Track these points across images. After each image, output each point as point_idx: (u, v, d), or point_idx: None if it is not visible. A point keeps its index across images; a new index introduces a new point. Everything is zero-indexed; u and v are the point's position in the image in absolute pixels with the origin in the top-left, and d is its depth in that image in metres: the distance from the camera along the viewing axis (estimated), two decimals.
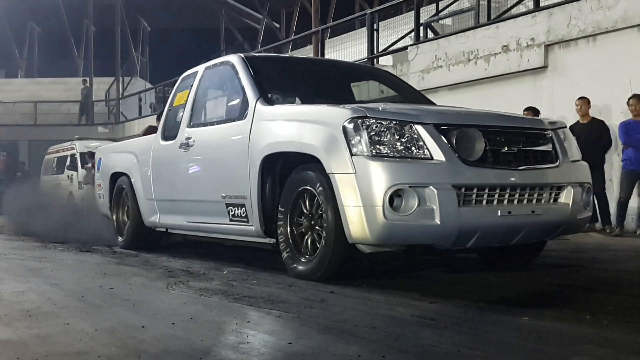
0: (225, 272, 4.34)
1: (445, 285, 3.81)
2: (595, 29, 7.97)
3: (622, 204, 7.31)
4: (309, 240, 3.88)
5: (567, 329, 2.60)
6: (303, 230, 3.94)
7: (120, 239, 6.28)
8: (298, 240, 3.96)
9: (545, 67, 8.60)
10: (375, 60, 11.75)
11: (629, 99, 7.43)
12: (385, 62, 12.02)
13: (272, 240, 4.17)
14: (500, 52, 9.09)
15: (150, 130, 7.57)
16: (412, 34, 11.33)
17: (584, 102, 7.77)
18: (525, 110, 7.91)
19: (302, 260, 3.89)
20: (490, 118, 3.97)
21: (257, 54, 5.61)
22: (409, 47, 10.84)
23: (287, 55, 14.43)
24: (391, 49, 11.82)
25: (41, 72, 27.39)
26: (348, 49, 15.35)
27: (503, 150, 3.67)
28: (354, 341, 2.41)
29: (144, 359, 2.19)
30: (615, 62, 7.83)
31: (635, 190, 7.52)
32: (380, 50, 11.88)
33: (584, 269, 4.49)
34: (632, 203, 7.51)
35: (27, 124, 22.57)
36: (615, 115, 7.85)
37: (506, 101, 8.51)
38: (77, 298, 3.42)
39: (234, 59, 4.88)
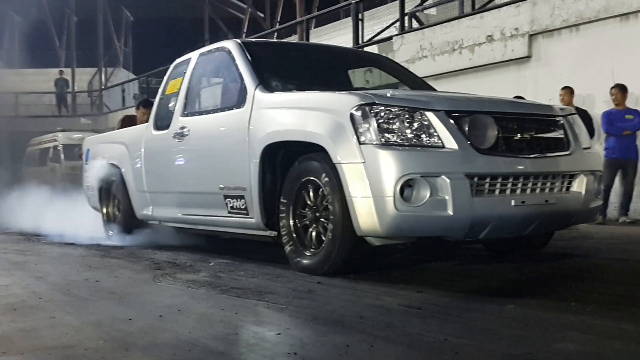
0: (212, 264, 4.32)
1: (432, 275, 3.82)
2: (578, 18, 8.03)
3: (604, 192, 7.39)
4: (314, 233, 3.75)
5: (551, 316, 2.63)
6: (307, 222, 3.80)
7: (110, 233, 6.18)
8: (301, 233, 3.82)
9: (529, 57, 8.66)
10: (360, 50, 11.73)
11: (611, 89, 7.52)
12: (371, 51, 12.00)
13: (274, 233, 4.04)
14: (484, 42, 9.13)
15: (127, 120, 7.47)
16: (397, 23, 11.33)
17: (567, 92, 7.84)
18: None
19: (307, 253, 3.76)
20: (503, 104, 3.85)
21: (254, 40, 5.50)
22: (394, 37, 10.84)
23: (285, 41, 14.35)
24: (376, 39, 11.81)
25: (22, 63, 27.01)
26: (333, 39, 15.34)
27: (516, 138, 3.56)
28: (342, 331, 2.41)
29: (132, 352, 2.18)
30: (598, 51, 7.90)
31: (617, 179, 7.61)
32: (365, 40, 11.86)
33: (568, 257, 4.52)
34: (614, 192, 7.60)
35: (8, 115, 22.27)
36: (598, 105, 7.93)
37: (491, 91, 8.53)
38: (63, 291, 3.38)
39: (231, 44, 4.72)
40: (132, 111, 9.52)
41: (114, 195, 6.19)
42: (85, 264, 4.49)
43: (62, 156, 14.68)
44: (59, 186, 8.73)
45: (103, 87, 23.63)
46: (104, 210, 6.35)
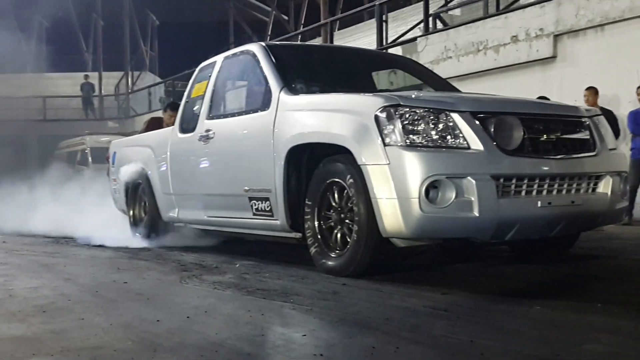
0: (237, 266, 4.35)
1: (457, 276, 3.80)
2: (603, 19, 7.94)
3: (630, 193, 7.27)
4: (339, 235, 3.75)
5: (578, 317, 2.61)
6: (332, 224, 3.81)
7: (137, 235, 6.23)
8: (326, 234, 3.83)
9: (554, 57, 8.57)
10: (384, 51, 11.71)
11: (637, 88, 7.41)
12: (395, 53, 11.98)
13: (299, 235, 4.05)
14: (509, 43, 9.06)
15: (153, 122, 7.54)
16: (422, 25, 11.29)
17: (591, 92, 7.74)
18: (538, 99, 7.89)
19: (332, 255, 3.76)
20: (528, 105, 3.83)
21: (278, 43, 5.51)
22: (418, 38, 10.80)
23: (309, 43, 14.40)
24: (400, 40, 11.78)
25: (50, 67, 27.46)
26: (357, 40, 15.32)
27: (541, 139, 3.53)
28: (367, 333, 2.42)
29: (160, 353, 2.21)
30: (624, 52, 7.80)
31: None
32: (389, 41, 11.84)
33: (594, 258, 4.47)
34: None
35: (37, 119, 22.65)
36: (623, 105, 7.82)
37: (516, 92, 8.46)
38: (92, 293, 3.43)
39: (255, 47, 4.75)
40: (158, 114, 9.64)
41: (140, 198, 6.26)
42: (113, 265, 4.55)
43: (90, 159, 14.88)
44: (87, 189, 8.86)
45: (130, 91, 23.90)
46: (131, 212, 6.42)
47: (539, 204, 3.42)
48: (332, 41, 13.39)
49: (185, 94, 5.68)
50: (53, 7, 26.30)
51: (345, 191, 3.66)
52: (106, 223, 6.74)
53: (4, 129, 19.94)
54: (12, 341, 2.38)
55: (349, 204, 3.66)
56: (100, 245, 6.05)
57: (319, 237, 3.86)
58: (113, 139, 8.86)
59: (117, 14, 25.33)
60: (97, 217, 7.13)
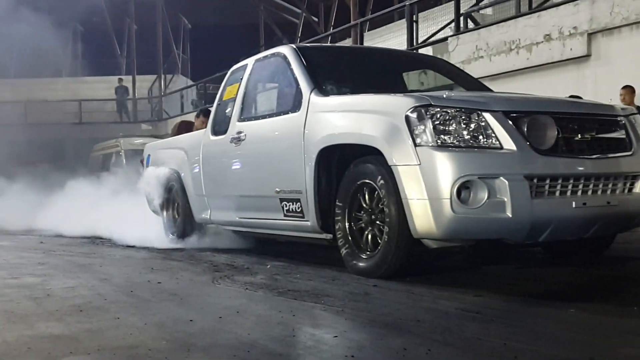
0: (268, 267, 4.38)
1: (490, 278, 3.77)
2: (639, 16, 7.76)
3: None
4: (370, 236, 3.75)
5: (613, 320, 2.58)
6: (363, 225, 3.80)
7: (170, 236, 6.32)
8: (357, 235, 3.83)
9: (588, 55, 8.43)
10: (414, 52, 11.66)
11: None
12: (425, 53, 11.92)
13: (329, 236, 4.06)
14: (542, 42, 8.93)
15: (184, 125, 7.63)
16: (452, 24, 11.20)
17: (628, 91, 7.59)
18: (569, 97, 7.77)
19: (363, 256, 3.76)
20: (562, 104, 3.78)
21: (309, 44, 5.53)
22: (449, 38, 10.73)
23: (339, 44, 14.42)
24: (431, 40, 11.71)
25: (85, 71, 27.98)
26: (387, 41, 15.28)
27: (576, 138, 3.48)
28: (399, 334, 2.41)
29: (193, 352, 2.24)
30: None
31: None
32: (419, 41, 11.78)
33: (631, 260, 4.38)
34: None
35: (72, 122, 23.10)
36: None
37: (549, 91, 8.36)
38: (126, 293, 3.49)
39: (286, 49, 4.78)
40: (189, 117, 9.76)
41: (173, 199, 6.33)
42: (147, 266, 4.62)
43: (124, 161, 15.12)
44: (120, 190, 9.00)
45: (162, 94, 24.22)
46: (164, 214, 6.50)
47: (574, 204, 3.37)
48: (362, 42, 13.38)
49: (217, 96, 5.74)
50: (88, 12, 26.80)
51: (376, 192, 3.66)
52: (140, 224, 6.83)
53: (42, 132, 20.39)
54: (50, 340, 2.44)
55: (379, 205, 3.65)
56: (134, 246, 6.15)
57: (350, 238, 3.86)
58: (147, 142, 9.00)
59: (150, 18, 25.69)
60: (132, 218, 7.23)
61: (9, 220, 9.45)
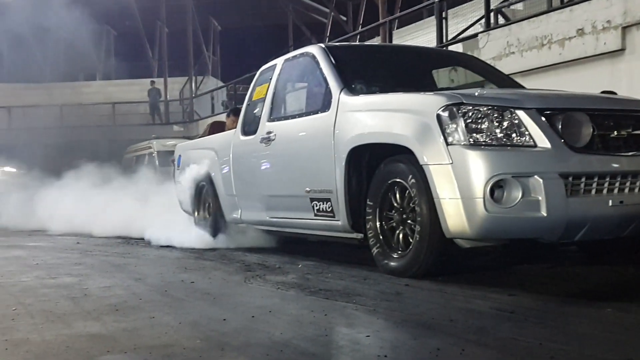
0: (300, 266, 4.39)
1: (524, 278, 3.72)
2: None
3: None
4: (401, 235, 3.73)
5: None
6: (394, 224, 3.79)
7: (202, 236, 6.27)
8: (388, 235, 3.82)
9: (622, 50, 8.22)
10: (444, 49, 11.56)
11: None
12: (455, 50, 11.81)
13: (360, 236, 4.05)
14: (575, 36, 8.77)
15: (216, 125, 7.68)
16: (483, 20, 11.08)
17: None
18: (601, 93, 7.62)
19: (394, 256, 3.74)
20: (597, 101, 3.71)
21: (337, 44, 5.52)
22: (479, 35, 10.60)
23: (368, 43, 14.39)
24: (461, 37, 11.60)
25: (118, 74, 28.44)
26: (416, 39, 15.18)
27: (612, 135, 3.40)
28: (432, 334, 2.40)
29: (227, 351, 2.26)
30: None
31: None
32: (449, 38, 11.68)
33: None
34: None
35: (106, 125, 23.49)
36: None
37: (583, 87, 8.22)
38: (161, 292, 3.54)
39: (315, 49, 4.79)
40: (220, 117, 9.82)
41: (204, 199, 6.40)
42: (180, 265, 4.68)
43: (157, 162, 15.30)
44: (153, 190, 9.11)
45: (193, 95, 24.47)
46: (195, 213, 6.57)
47: (610, 203, 3.29)
48: (391, 40, 13.30)
49: (247, 97, 5.78)
50: (121, 16, 27.26)
51: (407, 191, 3.64)
52: (172, 224, 6.92)
53: (77, 134, 20.78)
54: (87, 338, 2.49)
55: (410, 204, 3.63)
56: (167, 246, 6.23)
57: (381, 237, 3.85)
58: (178, 143, 9.10)
59: (181, 21, 25.98)
60: (164, 218, 7.33)
61: (45, 221, 9.66)
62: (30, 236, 8.69)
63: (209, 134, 7.18)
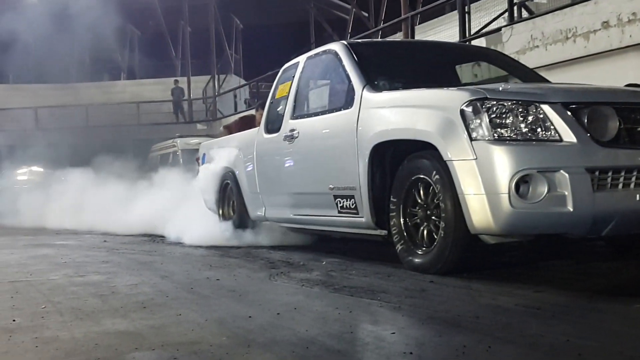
0: (324, 263, 4.40)
1: (550, 273, 3.68)
2: None
3: None
4: (425, 232, 3.73)
5: None
6: (418, 221, 3.78)
7: (226, 233, 6.33)
8: (412, 231, 3.81)
9: None
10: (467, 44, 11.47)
11: None
12: (478, 45, 11.70)
13: (384, 232, 4.05)
14: (600, 29, 8.64)
15: (247, 119, 7.71)
16: (506, 14, 10.97)
17: None
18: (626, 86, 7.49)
19: (419, 252, 3.74)
20: (624, 94, 3.66)
21: (360, 40, 5.53)
22: (502, 29, 10.49)
23: (390, 39, 14.34)
24: (484, 31, 11.49)
25: (142, 74, 28.70)
26: (439, 34, 15.07)
27: (639, 129, 3.34)
28: (457, 331, 2.39)
29: (253, 348, 2.27)
30: None
31: None
32: (472, 33, 11.58)
33: None
34: None
35: (131, 124, 23.73)
36: None
37: (608, 80, 8.09)
38: (187, 290, 3.57)
39: (337, 46, 4.79)
40: (243, 116, 9.86)
41: (228, 197, 6.44)
42: (206, 263, 4.72)
43: (181, 161, 15.41)
44: (178, 189, 9.19)
45: (216, 94, 24.60)
46: (220, 211, 6.61)
47: (638, 197, 3.24)
48: (413, 36, 13.24)
49: (270, 95, 5.80)
50: (144, 16, 27.48)
51: (431, 187, 3.63)
52: (197, 222, 6.97)
53: (103, 134, 21.04)
54: (116, 335, 2.52)
55: (435, 201, 3.62)
56: (191, 244, 6.27)
57: (405, 234, 3.85)
58: (202, 141, 9.16)
59: (203, 20, 26.13)
60: (189, 216, 7.38)
61: (72, 220, 9.81)
62: (57, 235, 8.83)
63: (240, 129, 7.20)
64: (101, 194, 10.17)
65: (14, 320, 2.85)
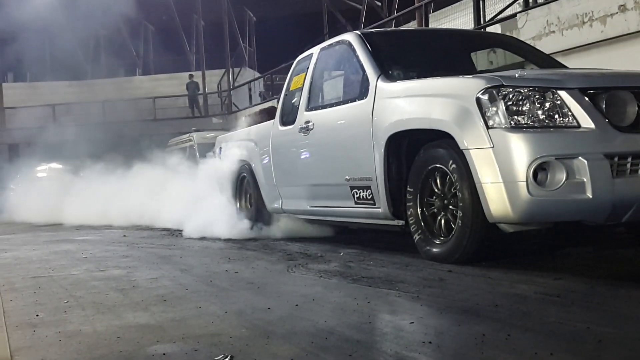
0: (341, 254, 4.40)
1: (570, 261, 3.66)
2: None
3: None
4: (442, 221, 3.71)
5: None
6: (435, 210, 3.77)
7: (244, 226, 6.37)
8: (430, 221, 3.80)
9: None
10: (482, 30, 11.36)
11: None
12: (493, 31, 11.59)
13: (401, 222, 4.04)
14: (617, 12, 8.52)
15: (267, 111, 7.70)
16: (521, 0, 10.86)
17: None
18: None
19: (437, 242, 3.73)
20: None
21: (373, 30, 5.51)
22: (517, 14, 10.39)
23: (404, 28, 14.25)
24: (499, 17, 11.38)
25: (157, 69, 28.84)
26: (453, 21, 14.93)
27: None
28: (477, 320, 2.38)
29: (273, 339, 2.29)
30: None
31: None
32: (487, 19, 11.48)
33: None
34: None
35: (148, 119, 23.87)
36: None
37: (627, 64, 7.98)
38: (206, 282, 3.60)
39: (351, 37, 4.78)
40: (257, 109, 9.85)
41: (245, 190, 6.47)
42: (224, 256, 4.75)
43: (197, 155, 15.47)
44: (195, 183, 9.23)
45: (231, 87, 24.65)
46: (237, 204, 6.64)
47: None
48: (427, 24, 13.14)
49: (284, 87, 5.80)
50: (158, 11, 27.59)
51: (448, 177, 3.61)
52: (215, 215, 7.00)
53: (120, 129, 21.18)
54: (137, 329, 2.55)
55: (452, 190, 3.61)
56: (210, 237, 6.31)
57: (422, 224, 3.84)
58: (218, 135, 9.19)
59: (217, 14, 26.15)
60: (207, 209, 7.42)
61: (91, 215, 9.90)
62: (78, 230, 8.93)
63: (260, 121, 7.19)
64: (119, 190, 10.25)
65: (37, 315, 2.89)
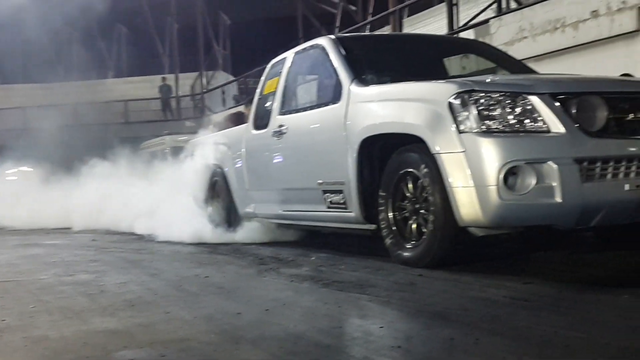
0: (313, 258, 4.39)
1: (539, 265, 3.70)
2: None
3: None
4: (414, 225, 3.72)
5: None
6: (407, 214, 3.78)
7: (215, 230, 6.32)
8: (401, 225, 3.81)
9: (638, 30, 8.12)
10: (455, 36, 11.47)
11: None
12: (466, 37, 11.71)
13: (373, 227, 4.05)
14: (589, 18, 8.66)
15: (235, 116, 7.69)
16: (494, 5, 10.99)
17: None
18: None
19: (408, 246, 3.73)
20: (612, 83, 3.68)
21: (347, 34, 5.52)
22: (490, 20, 10.50)
23: (378, 33, 14.31)
24: (472, 23, 11.50)
25: (129, 71, 28.54)
26: (427, 26, 15.07)
27: (627, 119, 3.35)
28: (446, 324, 2.39)
29: (242, 345, 2.27)
30: None
31: None
32: (460, 25, 11.59)
33: None
34: None
35: (120, 122, 23.61)
36: None
37: (598, 70, 8.12)
38: (176, 287, 3.55)
39: (324, 41, 4.78)
40: (231, 112, 9.82)
41: (217, 194, 6.41)
42: (195, 260, 4.70)
43: (170, 158, 15.35)
44: (166, 186, 9.14)
45: (204, 90, 24.51)
46: (209, 208, 6.58)
47: (627, 187, 3.25)
48: (401, 29, 13.24)
49: (258, 91, 5.77)
50: (131, 13, 27.32)
51: (420, 181, 3.63)
52: (186, 220, 6.93)
53: (91, 132, 20.92)
54: (105, 334, 2.51)
55: (423, 194, 3.62)
56: (181, 241, 6.23)
57: (394, 228, 3.84)
58: (191, 138, 9.11)
59: (191, 17, 26.01)
60: (177, 214, 7.34)
61: (61, 219, 9.75)
62: (47, 234, 8.77)
63: (231, 125, 7.16)
64: (91, 193, 10.10)
65: (3, 320, 2.83)
